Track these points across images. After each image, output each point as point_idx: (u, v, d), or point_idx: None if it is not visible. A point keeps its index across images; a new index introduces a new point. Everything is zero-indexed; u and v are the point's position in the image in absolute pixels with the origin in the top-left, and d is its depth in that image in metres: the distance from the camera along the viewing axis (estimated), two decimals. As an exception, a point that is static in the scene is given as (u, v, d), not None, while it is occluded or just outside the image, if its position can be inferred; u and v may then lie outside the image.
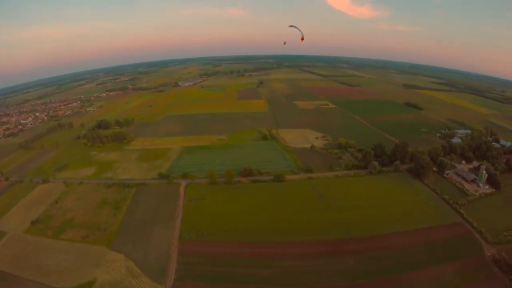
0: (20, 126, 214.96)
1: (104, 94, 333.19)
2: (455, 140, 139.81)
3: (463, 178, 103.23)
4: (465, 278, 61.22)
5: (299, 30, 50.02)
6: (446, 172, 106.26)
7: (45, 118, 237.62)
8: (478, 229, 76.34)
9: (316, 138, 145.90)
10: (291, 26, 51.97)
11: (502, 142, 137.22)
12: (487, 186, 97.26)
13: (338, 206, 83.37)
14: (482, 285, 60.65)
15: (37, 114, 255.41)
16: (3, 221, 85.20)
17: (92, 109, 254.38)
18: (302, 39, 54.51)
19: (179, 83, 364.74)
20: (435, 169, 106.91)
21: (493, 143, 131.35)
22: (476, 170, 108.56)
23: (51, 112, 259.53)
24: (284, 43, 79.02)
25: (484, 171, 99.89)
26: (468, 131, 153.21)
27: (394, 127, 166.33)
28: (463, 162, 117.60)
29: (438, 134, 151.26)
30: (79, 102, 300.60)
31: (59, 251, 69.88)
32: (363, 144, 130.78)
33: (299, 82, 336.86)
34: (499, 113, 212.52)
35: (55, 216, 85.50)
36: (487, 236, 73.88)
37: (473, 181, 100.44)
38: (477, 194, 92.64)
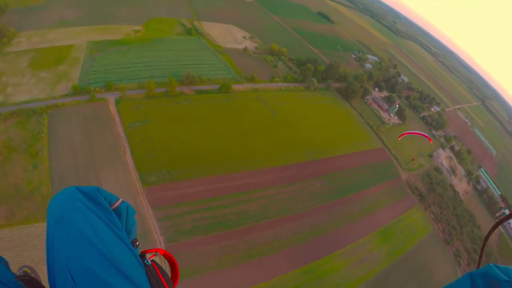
0: None
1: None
2: (367, 65, 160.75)
3: (379, 106, 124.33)
4: (392, 196, 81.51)
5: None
6: (366, 98, 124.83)
7: None
8: (395, 156, 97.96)
9: (244, 38, 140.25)
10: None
11: (402, 77, 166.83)
12: (396, 117, 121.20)
13: (290, 124, 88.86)
14: (402, 202, 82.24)
15: None
16: None
17: None
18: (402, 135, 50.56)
19: None
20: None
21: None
22: (386, 99, 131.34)
23: None
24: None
25: (397, 105, 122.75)
26: (376, 58, 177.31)
27: (312, 37, 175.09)
28: (376, 89, 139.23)
29: (353, 56, 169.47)
30: None
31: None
32: (293, 53, 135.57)
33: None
34: (394, 44, 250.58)
35: None
36: (401, 163, 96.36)
37: (386, 110, 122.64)
38: (391, 123, 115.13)
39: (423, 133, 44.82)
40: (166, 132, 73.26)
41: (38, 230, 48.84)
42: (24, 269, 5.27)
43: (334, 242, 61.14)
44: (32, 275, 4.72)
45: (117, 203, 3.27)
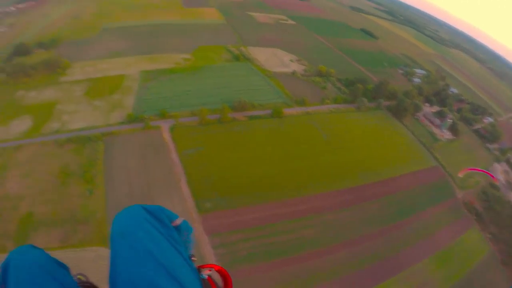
0: None
1: (13, 8, 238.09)
2: (416, 80, 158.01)
3: (430, 121, 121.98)
4: (449, 217, 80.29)
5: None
6: (416, 114, 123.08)
7: None
8: (450, 174, 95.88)
9: (291, 60, 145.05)
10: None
11: (451, 89, 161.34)
12: (449, 133, 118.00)
13: (342, 147, 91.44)
14: (458, 222, 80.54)
15: None
16: None
17: (2, 30, 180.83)
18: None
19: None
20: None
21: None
22: (438, 114, 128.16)
23: None
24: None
25: (450, 120, 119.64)
26: (424, 72, 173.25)
27: (357, 55, 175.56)
28: (427, 104, 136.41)
29: (401, 71, 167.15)
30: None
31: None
32: (340, 73, 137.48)
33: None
34: (440, 54, 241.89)
35: (4, 214, 55.89)
36: (456, 181, 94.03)
37: (438, 126, 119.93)
38: (444, 139, 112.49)
39: (487, 171, 45.23)
40: (220, 158, 76.17)
41: (92, 255, 48.97)
42: (78, 276, 5.32)
43: (392, 267, 62.24)
44: (91, 281, 5.16)
45: (178, 221, 3.64)
